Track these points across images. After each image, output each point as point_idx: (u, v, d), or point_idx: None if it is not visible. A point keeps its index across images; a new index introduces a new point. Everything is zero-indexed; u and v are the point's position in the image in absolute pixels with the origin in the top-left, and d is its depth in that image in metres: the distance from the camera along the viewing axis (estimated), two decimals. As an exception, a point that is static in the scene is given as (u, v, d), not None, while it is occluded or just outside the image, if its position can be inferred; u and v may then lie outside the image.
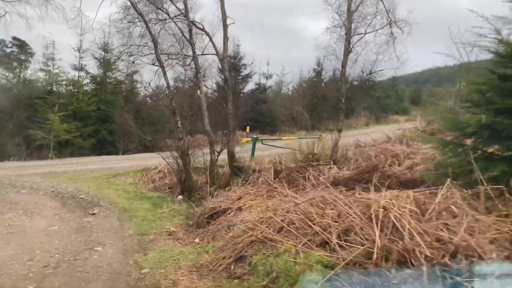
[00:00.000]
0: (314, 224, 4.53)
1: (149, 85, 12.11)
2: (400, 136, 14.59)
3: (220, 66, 10.46)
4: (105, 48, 24.27)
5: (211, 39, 10.46)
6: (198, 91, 9.80)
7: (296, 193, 6.14)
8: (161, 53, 9.47)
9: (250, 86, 32.48)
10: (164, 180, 13.09)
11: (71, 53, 32.80)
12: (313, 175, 8.04)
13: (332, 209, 4.75)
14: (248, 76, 30.48)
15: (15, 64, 27.07)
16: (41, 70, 25.46)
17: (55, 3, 13.53)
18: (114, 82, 25.31)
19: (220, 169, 11.36)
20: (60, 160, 18.38)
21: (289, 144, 15.76)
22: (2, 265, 4.92)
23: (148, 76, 37.82)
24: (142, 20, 9.85)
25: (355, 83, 20.32)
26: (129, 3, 9.87)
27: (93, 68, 25.83)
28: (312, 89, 32.39)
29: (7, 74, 26.36)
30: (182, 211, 8.39)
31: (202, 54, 10.00)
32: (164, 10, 9.77)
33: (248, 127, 21.70)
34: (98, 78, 25.05)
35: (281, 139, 18.54)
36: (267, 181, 8.89)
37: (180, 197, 10.56)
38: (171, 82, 12.46)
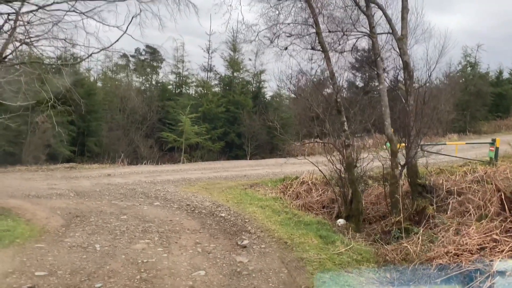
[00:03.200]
0: None
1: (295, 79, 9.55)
2: None
3: (397, 48, 7.61)
4: (234, 47, 23.15)
5: (385, 13, 7.71)
6: (377, 81, 7.09)
7: None
8: (328, 31, 6.98)
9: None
10: (311, 194, 10.73)
11: (200, 53, 32.97)
12: None
13: None
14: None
15: (148, 70, 27.92)
16: (172, 72, 25.56)
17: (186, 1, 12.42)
18: (244, 82, 24.06)
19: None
20: (192, 164, 17.36)
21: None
22: None
23: (275, 73, 36.40)
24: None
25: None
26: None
27: (221, 68, 25.10)
28: (464, 84, 27.24)
29: (141, 79, 27.23)
30: (364, 253, 5.79)
31: (378, 34, 7.26)
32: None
33: (392, 129, 18.40)
34: (226, 79, 24.09)
35: (445, 144, 14.93)
36: (486, 211, 5.85)
37: (341, 221, 8.05)
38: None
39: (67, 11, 9.34)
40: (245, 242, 6.27)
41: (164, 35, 23.34)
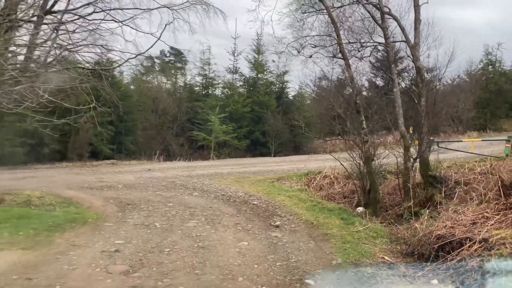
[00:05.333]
0: None
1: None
2: None
3: (410, 55, 8.61)
4: (258, 49, 24.34)
5: (399, 24, 8.73)
6: (392, 85, 8.14)
7: None
8: (347, 42, 8.07)
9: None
10: (333, 186, 11.81)
11: (226, 56, 34.41)
12: None
13: None
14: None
15: (172, 71, 29.32)
16: (199, 74, 26.86)
17: (214, 8, 13.56)
18: (267, 83, 25.24)
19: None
20: (221, 160, 18.65)
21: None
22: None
23: (297, 74, 37.40)
24: (318, 8, 8.68)
25: None
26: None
27: (245, 70, 26.27)
28: (485, 82, 27.60)
29: (166, 80, 28.65)
30: (379, 231, 6.88)
31: (393, 42, 8.30)
32: (348, -7, 8.37)
33: (411, 127, 19.22)
34: (251, 80, 25.29)
35: (461, 141, 15.70)
36: (486, 198, 6.82)
37: (360, 209, 9.10)
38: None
39: (102, 19, 10.57)
40: (277, 223, 7.44)
41: (191, 38, 24.47)
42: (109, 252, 5.44)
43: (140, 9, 11.66)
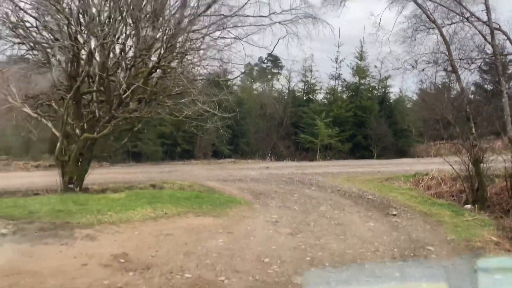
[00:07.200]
0: None
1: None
2: None
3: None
4: (361, 56, 25.50)
5: (509, 38, 9.59)
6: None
7: None
8: (458, 59, 9.25)
9: None
10: (441, 186, 12.76)
11: (326, 60, 35.94)
12: None
13: None
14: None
15: (269, 76, 31.54)
16: (301, 81, 28.71)
17: (322, 22, 15.11)
18: (370, 88, 26.27)
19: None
20: (327, 162, 20.34)
21: None
22: (355, 254, 5.83)
23: (399, 80, 37.36)
24: (431, 27, 9.91)
25: None
26: (418, 12, 10.11)
27: (348, 76, 27.51)
28: None
29: (265, 86, 30.91)
30: (486, 221, 7.99)
31: (505, 55, 9.26)
32: (459, 13, 9.51)
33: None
34: (353, 86, 26.52)
35: None
36: None
37: (468, 206, 10.08)
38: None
39: (223, 37, 12.48)
40: (394, 212, 8.89)
41: (298, 47, 26.17)
42: (271, 222, 7.48)
43: (255, 25, 13.54)
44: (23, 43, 9.01)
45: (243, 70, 19.20)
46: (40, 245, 5.49)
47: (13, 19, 8.45)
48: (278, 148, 24.45)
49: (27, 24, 8.94)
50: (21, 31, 8.97)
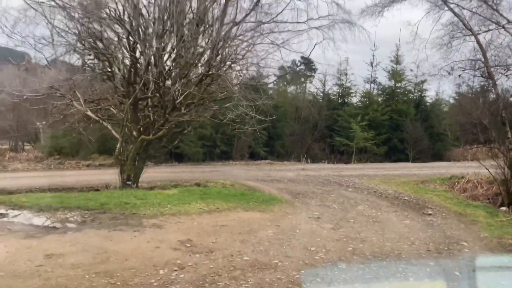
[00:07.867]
0: None
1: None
2: None
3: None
4: (397, 60, 25.66)
5: (547, 44, 9.82)
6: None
7: None
8: (494, 65, 9.59)
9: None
10: (477, 189, 12.96)
11: (361, 63, 36.17)
12: None
13: None
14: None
15: (302, 79, 32.00)
16: (336, 84, 29.08)
17: (358, 27, 15.48)
18: (405, 92, 26.37)
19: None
20: (363, 164, 20.74)
21: None
22: (393, 246, 6.40)
23: (436, 85, 37.05)
24: (467, 34, 10.27)
25: None
26: (455, 19, 10.49)
27: (383, 79, 27.67)
28: None
29: (298, 89, 31.41)
30: (522, 223, 8.31)
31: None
32: (495, 22, 9.84)
33: None
34: (388, 89, 26.67)
35: None
36: None
37: (503, 208, 10.32)
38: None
39: (261, 43, 13.04)
40: (430, 212, 9.33)
41: (334, 51, 26.47)
42: (313, 218, 8.14)
43: (292, 31, 14.08)
44: (90, 54, 10.07)
45: (278, 74, 19.94)
46: (116, 231, 6.40)
47: (83, 33, 9.50)
48: (313, 150, 24.97)
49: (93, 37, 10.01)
50: (87, 43, 10.07)
